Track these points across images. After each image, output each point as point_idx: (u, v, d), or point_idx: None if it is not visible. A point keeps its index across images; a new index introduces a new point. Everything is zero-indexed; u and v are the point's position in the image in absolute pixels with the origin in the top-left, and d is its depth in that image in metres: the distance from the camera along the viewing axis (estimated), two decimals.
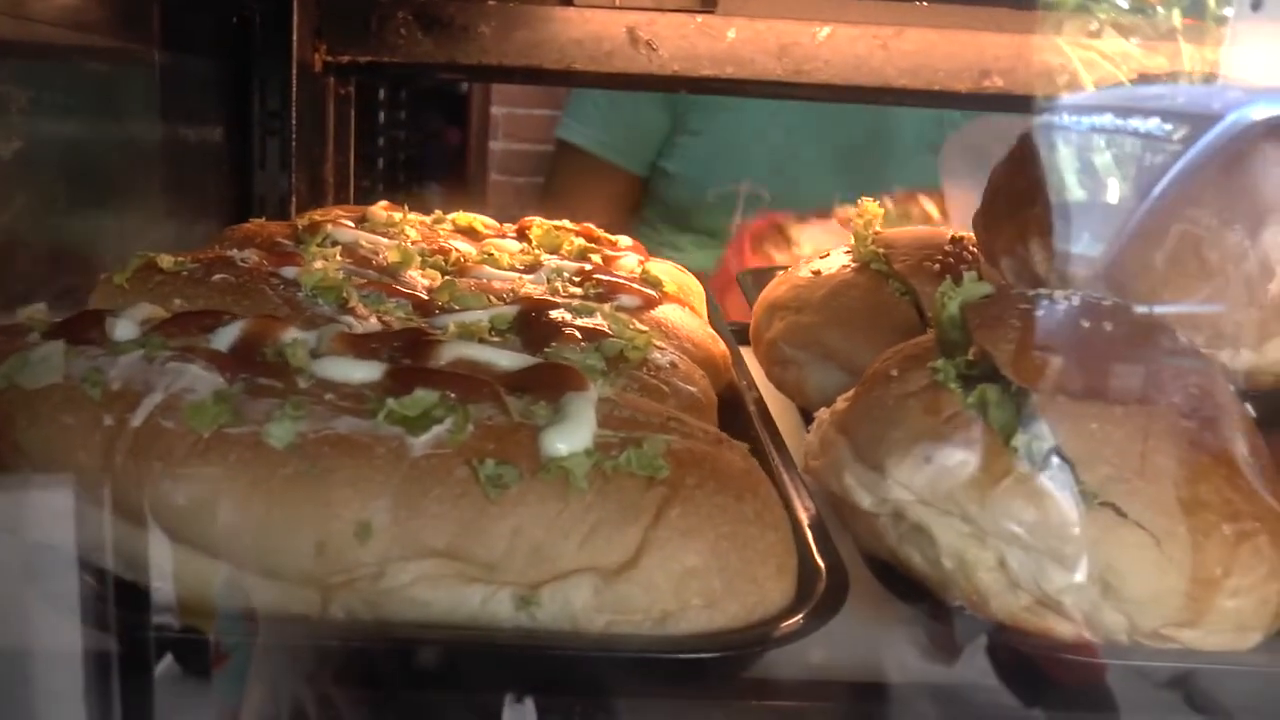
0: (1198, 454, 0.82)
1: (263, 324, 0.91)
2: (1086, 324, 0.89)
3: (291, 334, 0.89)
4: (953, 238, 1.29)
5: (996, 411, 0.83)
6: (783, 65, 1.98)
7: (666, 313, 1.26)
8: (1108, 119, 1.11)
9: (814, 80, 1.98)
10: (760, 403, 1.21)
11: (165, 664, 0.81)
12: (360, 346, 0.90)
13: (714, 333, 1.30)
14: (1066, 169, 1.09)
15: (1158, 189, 1.03)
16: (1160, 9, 1.64)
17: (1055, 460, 0.80)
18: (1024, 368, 0.83)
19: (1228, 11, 1.57)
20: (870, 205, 1.32)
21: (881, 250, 1.27)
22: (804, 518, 0.92)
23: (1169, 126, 1.06)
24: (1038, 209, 1.05)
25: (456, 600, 0.79)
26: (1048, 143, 1.12)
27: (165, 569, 0.81)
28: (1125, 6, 1.62)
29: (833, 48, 1.97)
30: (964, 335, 0.92)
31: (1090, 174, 1.08)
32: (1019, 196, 1.10)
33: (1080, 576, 0.79)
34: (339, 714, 0.78)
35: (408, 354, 0.91)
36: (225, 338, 0.89)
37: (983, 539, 0.81)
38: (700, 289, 1.51)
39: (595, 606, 0.79)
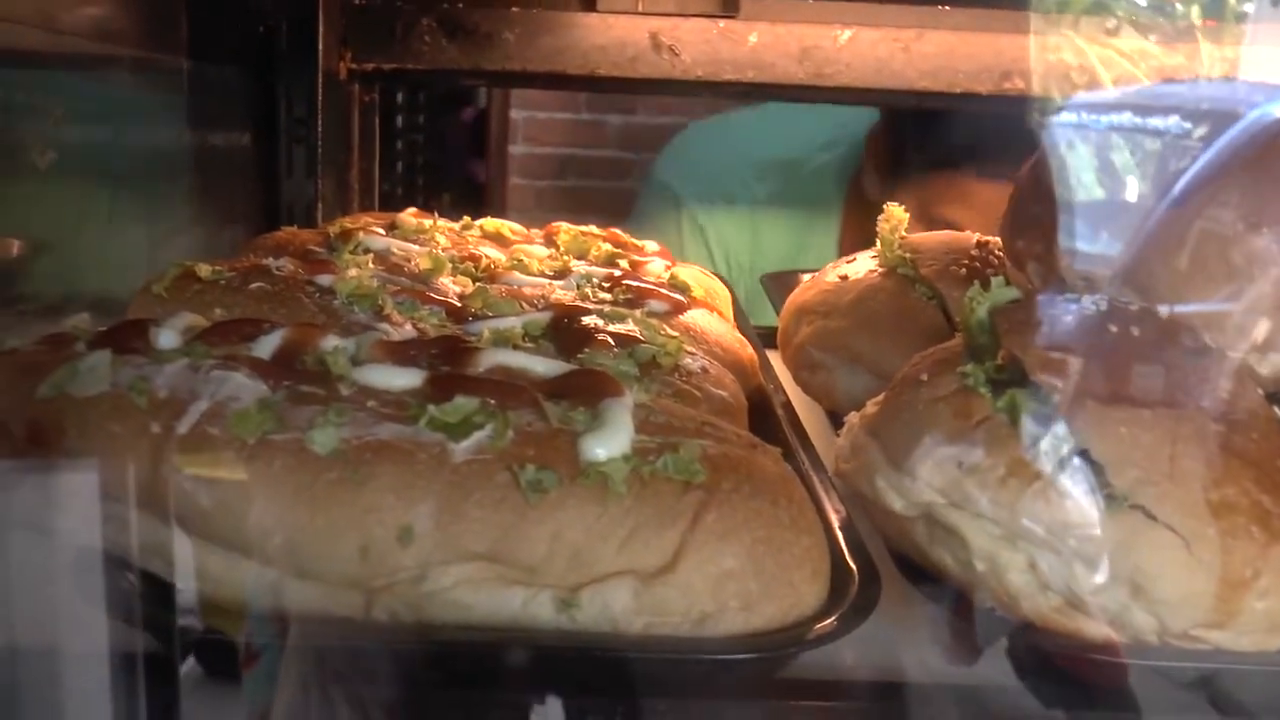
0: (1226, 457, 0.83)
1: (303, 332, 0.93)
2: (1114, 328, 0.90)
3: (332, 342, 0.91)
4: (978, 242, 1.30)
5: (1028, 414, 0.84)
6: (804, 69, 1.99)
7: (695, 317, 1.28)
8: (1128, 118, 1.12)
9: (835, 83, 1.99)
10: (788, 406, 1.23)
11: (189, 666, 0.83)
12: (400, 354, 0.92)
13: (742, 337, 1.32)
14: (1089, 169, 1.10)
15: (1180, 189, 1.04)
16: (1179, 6, 1.64)
17: (1084, 463, 0.81)
18: (1053, 372, 0.84)
19: (1248, 8, 1.58)
20: (896, 210, 1.33)
21: (908, 255, 1.28)
22: (835, 520, 0.94)
23: (1190, 125, 1.07)
24: (1063, 213, 1.06)
25: (498, 603, 0.81)
26: (1069, 144, 1.13)
27: (210, 573, 0.83)
28: (1143, 4, 1.63)
29: (854, 51, 1.99)
30: (993, 340, 0.93)
31: (1113, 174, 1.09)
32: (1044, 201, 1.10)
33: (1110, 578, 0.80)
34: (372, 715, 0.80)
35: (446, 361, 0.93)
36: (267, 346, 0.91)
37: (1013, 541, 0.82)
38: (726, 293, 1.52)
39: (634, 609, 0.80)
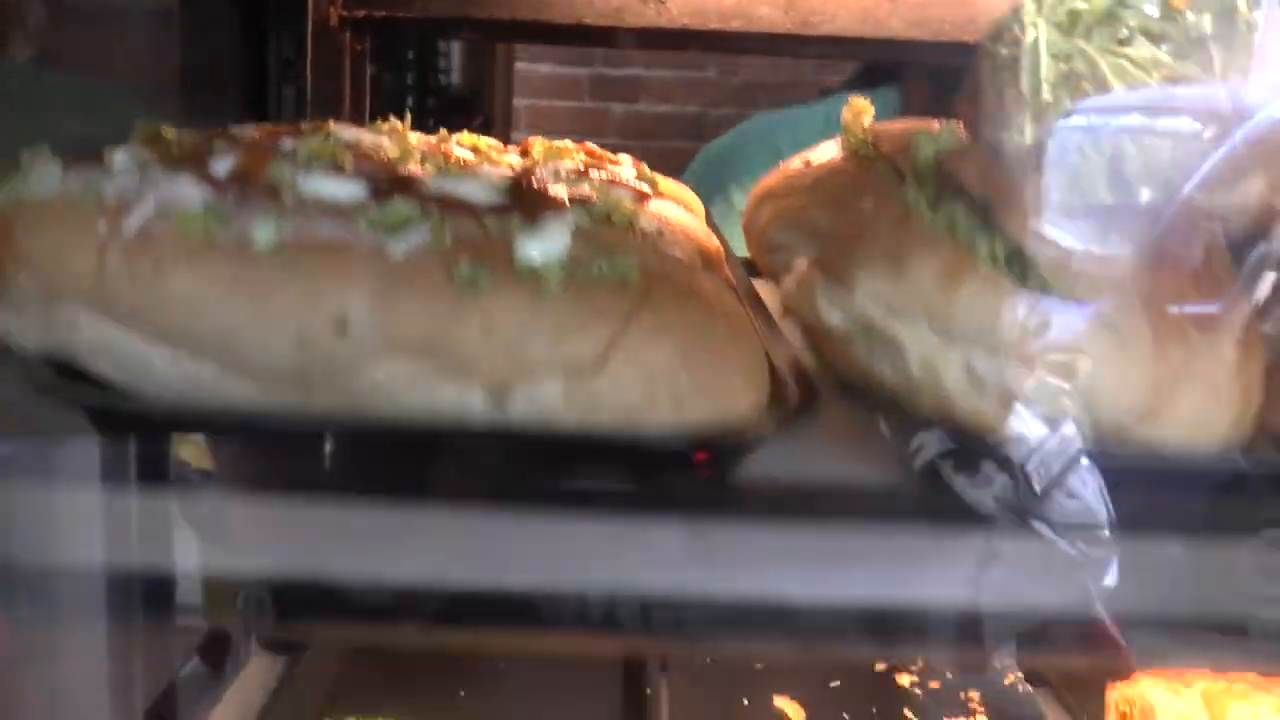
0: (1166, 259, 0.83)
1: (257, 154, 0.94)
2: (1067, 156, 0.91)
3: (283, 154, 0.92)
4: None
5: (964, 224, 0.85)
6: (789, 18, 2.01)
7: (660, 206, 1.28)
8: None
9: (820, 33, 2.00)
10: (751, 287, 1.23)
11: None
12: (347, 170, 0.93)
13: (709, 230, 1.32)
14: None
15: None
16: (1190, 15, 1.65)
17: (1020, 262, 0.82)
18: (991, 182, 0.85)
19: (1257, 16, 1.59)
20: (860, 101, 1.34)
21: (869, 139, 1.28)
22: (779, 351, 0.94)
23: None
24: None
25: (429, 397, 0.81)
26: None
27: (156, 371, 0.84)
28: (1155, 14, 1.64)
29: (839, 0, 2.00)
30: (937, 181, 0.94)
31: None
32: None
33: (1044, 375, 0.80)
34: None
35: (393, 186, 0.94)
36: (220, 167, 0.92)
37: (949, 344, 0.83)
38: (700, 206, 1.53)
39: (565, 405, 0.81)
